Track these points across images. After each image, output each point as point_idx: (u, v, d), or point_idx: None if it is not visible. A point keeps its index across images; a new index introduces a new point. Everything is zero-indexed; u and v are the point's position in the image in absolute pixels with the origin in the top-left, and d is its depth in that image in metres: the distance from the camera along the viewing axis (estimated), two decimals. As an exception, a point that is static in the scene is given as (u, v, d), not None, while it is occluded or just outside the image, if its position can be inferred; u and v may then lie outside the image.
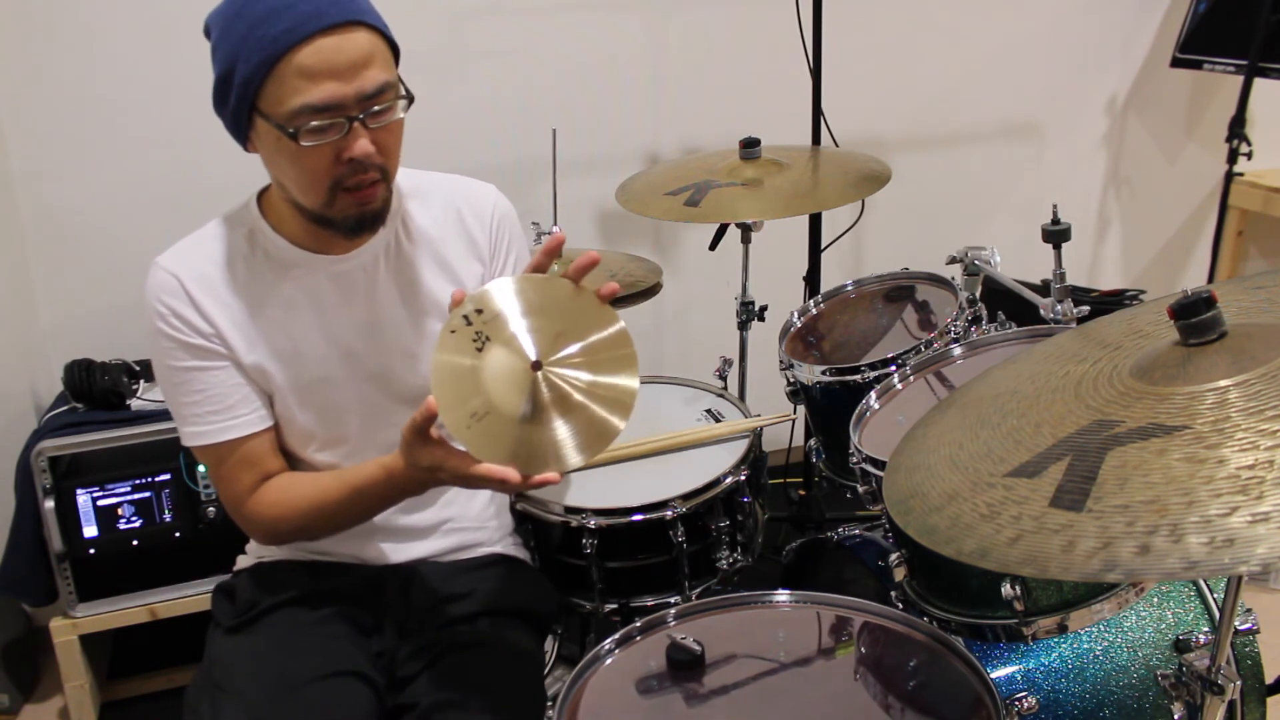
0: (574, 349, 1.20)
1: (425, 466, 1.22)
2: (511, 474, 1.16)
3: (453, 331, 1.18)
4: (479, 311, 1.19)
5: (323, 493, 1.37)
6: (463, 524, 1.52)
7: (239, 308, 1.35)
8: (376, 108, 1.24)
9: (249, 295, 1.36)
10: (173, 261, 1.35)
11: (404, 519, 1.47)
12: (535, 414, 1.18)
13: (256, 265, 1.37)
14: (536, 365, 1.18)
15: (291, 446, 1.43)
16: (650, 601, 1.62)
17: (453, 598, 1.44)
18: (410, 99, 1.29)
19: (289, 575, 1.45)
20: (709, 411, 1.85)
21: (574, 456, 1.18)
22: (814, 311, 2.04)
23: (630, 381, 1.21)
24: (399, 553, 1.48)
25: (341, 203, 1.28)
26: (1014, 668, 1.36)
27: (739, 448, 1.71)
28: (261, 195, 1.40)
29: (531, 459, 1.17)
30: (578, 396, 1.19)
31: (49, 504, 1.99)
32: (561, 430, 1.18)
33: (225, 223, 1.39)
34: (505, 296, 1.21)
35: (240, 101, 1.23)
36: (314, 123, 1.21)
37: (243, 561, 1.53)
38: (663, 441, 1.74)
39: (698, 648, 1.25)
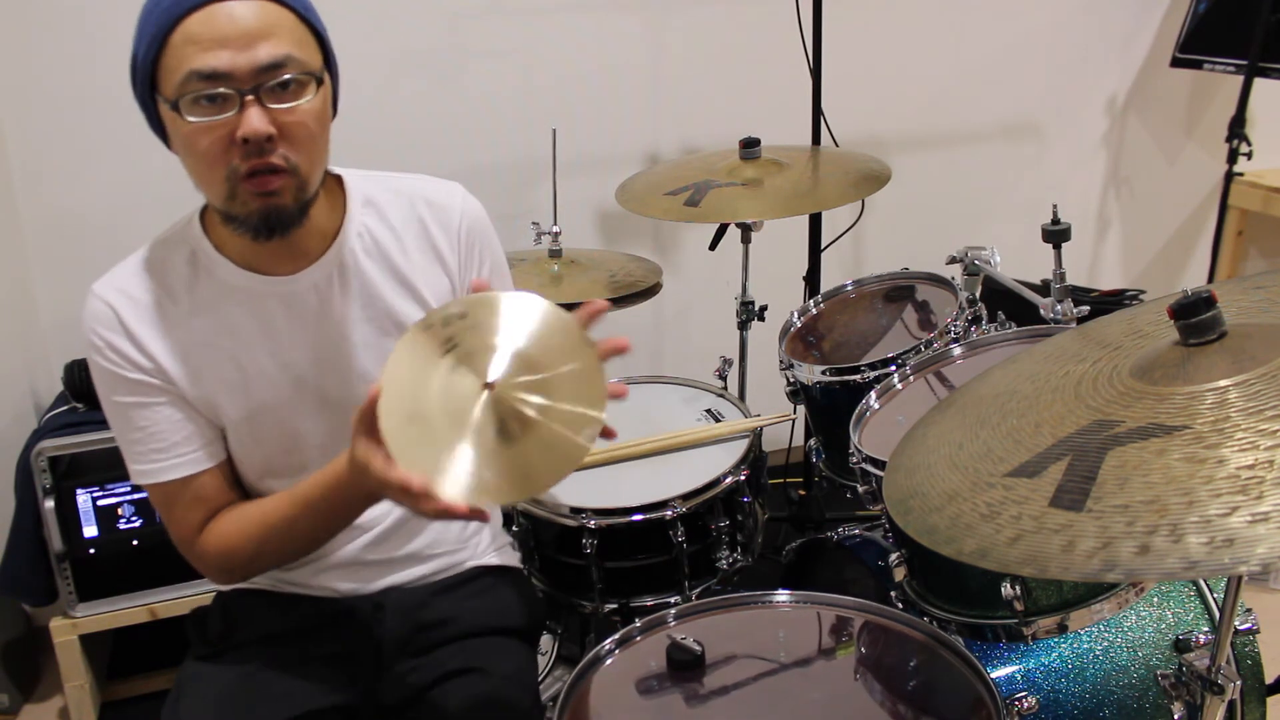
0: (539, 377, 1.08)
1: (358, 459, 1.09)
2: (415, 482, 1.02)
3: (427, 327, 1.09)
4: (462, 315, 1.10)
5: (270, 512, 1.26)
6: (441, 548, 1.42)
7: (181, 338, 1.25)
8: (273, 82, 1.11)
9: (192, 324, 1.25)
10: (108, 289, 1.24)
11: (372, 555, 1.38)
12: (475, 435, 1.06)
13: (199, 290, 1.26)
14: (489, 385, 1.07)
15: (248, 478, 1.33)
16: (650, 601, 1.62)
17: (431, 624, 1.37)
18: (321, 82, 1.16)
19: (260, 607, 1.38)
20: (709, 411, 1.85)
21: (512, 491, 1.07)
22: (814, 311, 2.04)
23: (594, 411, 1.07)
24: (374, 584, 1.39)
25: (243, 194, 1.15)
26: (1014, 668, 1.36)
27: (739, 448, 1.71)
28: (205, 213, 1.28)
29: (456, 481, 1.05)
30: (529, 427, 1.07)
31: (49, 504, 1.99)
32: (498, 460, 1.06)
33: (165, 244, 1.28)
34: (496, 311, 1.11)
35: (141, 85, 1.14)
36: (201, 92, 1.09)
37: None
38: (663, 441, 1.74)
39: (698, 648, 1.25)
